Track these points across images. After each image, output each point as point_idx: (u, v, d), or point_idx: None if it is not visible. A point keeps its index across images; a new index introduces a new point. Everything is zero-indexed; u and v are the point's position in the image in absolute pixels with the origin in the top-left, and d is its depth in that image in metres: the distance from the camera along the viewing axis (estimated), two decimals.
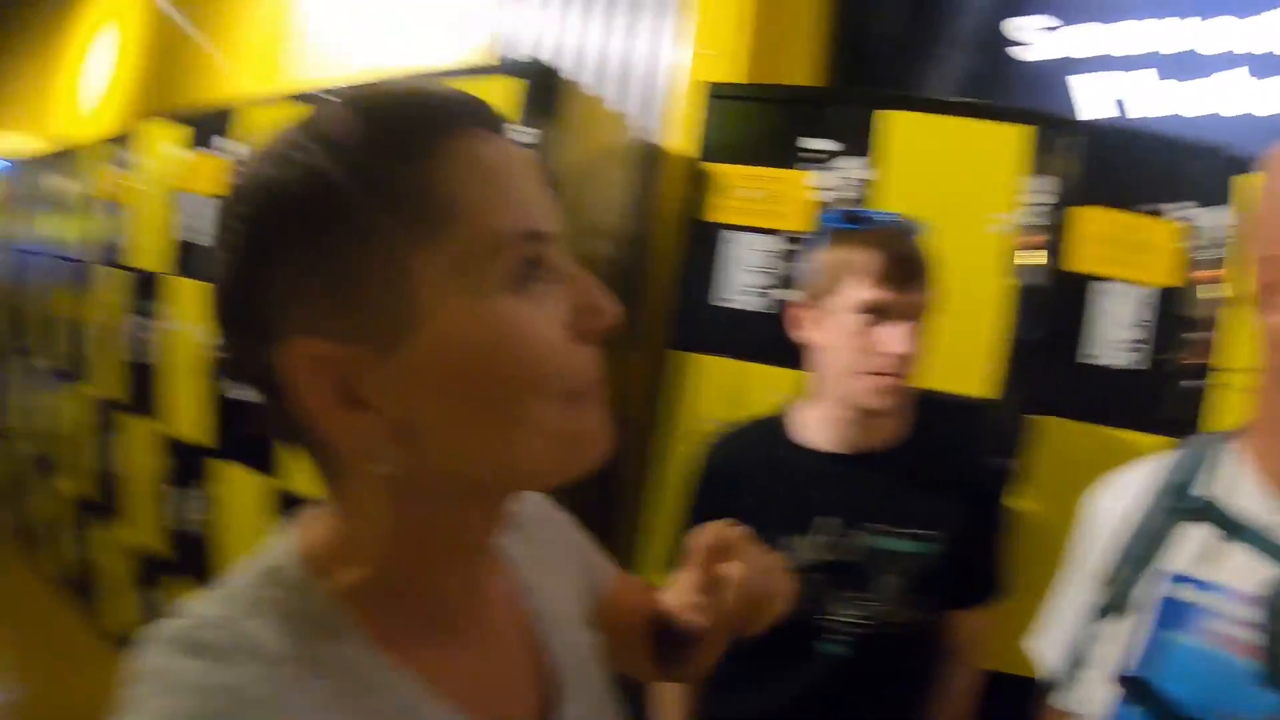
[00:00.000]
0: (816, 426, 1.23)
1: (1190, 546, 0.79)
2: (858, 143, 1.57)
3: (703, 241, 1.66)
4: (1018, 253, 1.49)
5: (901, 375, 1.14)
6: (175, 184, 2.51)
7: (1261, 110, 1.96)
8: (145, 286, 2.64)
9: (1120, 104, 2.06)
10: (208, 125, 2.42)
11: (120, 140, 3.00)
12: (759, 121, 1.68)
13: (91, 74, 4.88)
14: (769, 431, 1.29)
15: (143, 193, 2.71)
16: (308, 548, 0.51)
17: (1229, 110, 1.99)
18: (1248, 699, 0.71)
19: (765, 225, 1.63)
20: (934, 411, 1.27)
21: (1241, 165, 1.45)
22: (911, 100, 1.61)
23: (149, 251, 2.63)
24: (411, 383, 0.46)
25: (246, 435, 2.13)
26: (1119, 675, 0.80)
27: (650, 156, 2.09)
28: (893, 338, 1.12)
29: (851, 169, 1.57)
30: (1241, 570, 0.74)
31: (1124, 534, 0.85)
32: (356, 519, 0.51)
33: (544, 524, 0.72)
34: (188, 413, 2.39)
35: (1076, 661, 0.86)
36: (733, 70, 1.97)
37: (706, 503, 1.29)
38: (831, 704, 1.18)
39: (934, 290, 1.15)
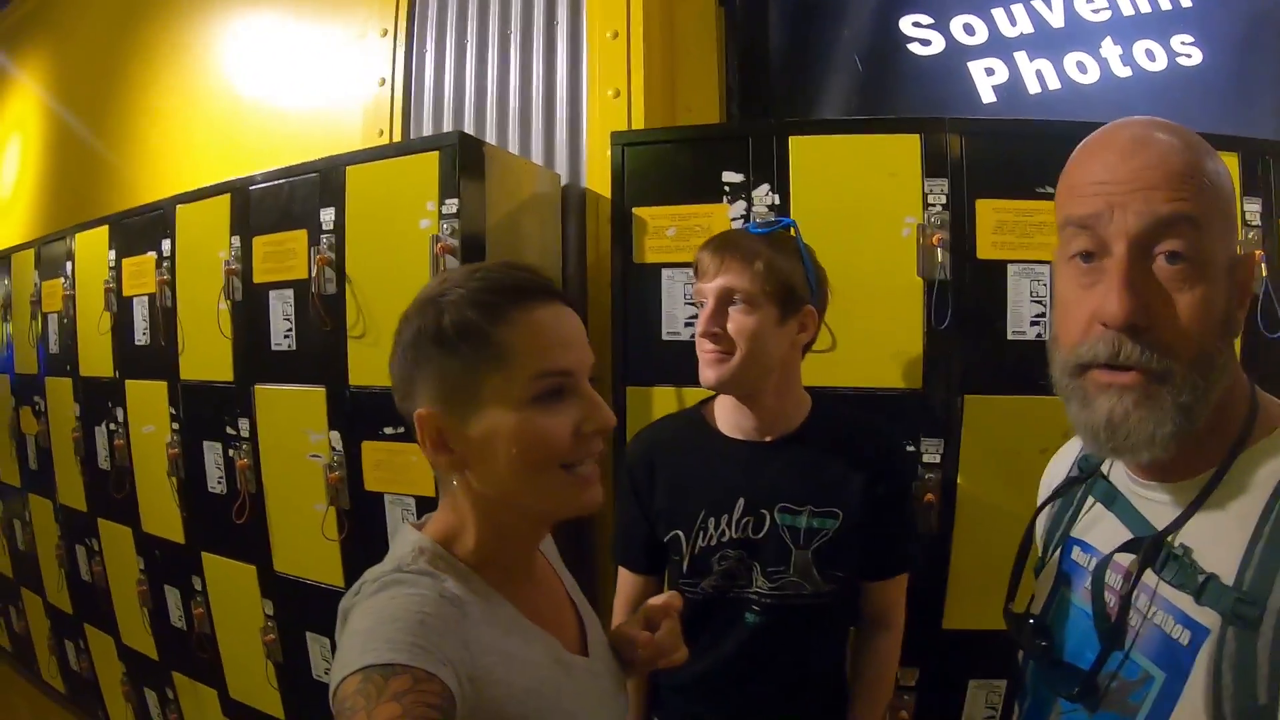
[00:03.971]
0: (725, 417, 1.37)
1: (1089, 514, 0.88)
2: (769, 170, 1.68)
3: (642, 282, 1.77)
4: (927, 249, 1.61)
5: (717, 352, 1.26)
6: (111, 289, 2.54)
7: (1153, 67, 2.17)
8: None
9: (1015, 84, 2.21)
10: (137, 228, 2.46)
11: (46, 244, 3.01)
12: (675, 162, 1.78)
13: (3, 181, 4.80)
14: (688, 422, 1.43)
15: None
16: (434, 532, 0.83)
17: (1117, 74, 2.18)
18: (1091, 648, 0.78)
19: None
20: (839, 403, 1.45)
21: None
22: (813, 124, 1.73)
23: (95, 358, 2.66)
24: (469, 442, 0.77)
25: None
26: (1032, 622, 0.89)
27: (575, 203, 2.18)
28: (700, 320, 1.28)
29: (766, 195, 1.68)
30: (1108, 535, 0.82)
31: (1050, 500, 0.95)
32: (459, 514, 0.82)
33: None
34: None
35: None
36: (639, 113, 2.07)
37: (636, 488, 1.41)
38: (754, 665, 1.33)
39: (757, 277, 1.24)
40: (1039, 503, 0.97)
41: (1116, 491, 0.83)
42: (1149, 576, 0.74)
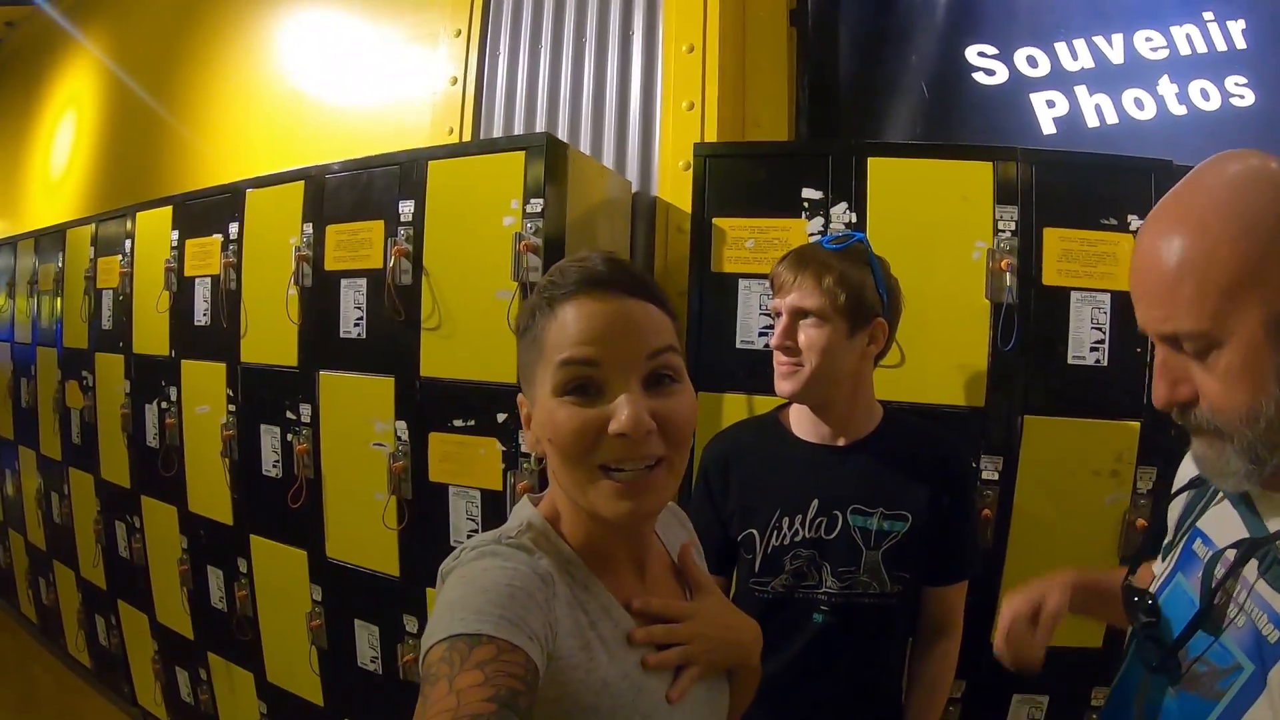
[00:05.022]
0: (799, 422, 1.44)
1: (1216, 508, 0.93)
2: (848, 189, 1.74)
3: (719, 290, 1.81)
4: (995, 273, 1.67)
5: (790, 364, 1.33)
6: (173, 269, 2.58)
7: (1207, 106, 2.23)
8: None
9: (1075, 117, 2.26)
10: (202, 210, 2.50)
11: (104, 222, 3.04)
12: (754, 175, 1.83)
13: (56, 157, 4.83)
14: (764, 426, 1.50)
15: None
16: (544, 509, 0.85)
17: (1173, 111, 2.24)
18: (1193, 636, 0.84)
19: None
20: (908, 414, 1.51)
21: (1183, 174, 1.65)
22: (891, 147, 1.78)
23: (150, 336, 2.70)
24: (537, 427, 0.80)
25: None
26: (1144, 595, 0.95)
27: (644, 211, 2.23)
28: (774, 334, 1.35)
29: (844, 213, 1.74)
30: (1228, 532, 0.87)
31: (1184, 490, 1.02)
32: (558, 494, 0.83)
33: (674, 511, 1.06)
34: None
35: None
36: (711, 126, 2.11)
37: (710, 489, 1.47)
38: (822, 665, 1.38)
39: (827, 294, 1.30)
40: (1173, 490, 1.05)
41: (1246, 492, 0.88)
42: (1250, 572, 0.80)
